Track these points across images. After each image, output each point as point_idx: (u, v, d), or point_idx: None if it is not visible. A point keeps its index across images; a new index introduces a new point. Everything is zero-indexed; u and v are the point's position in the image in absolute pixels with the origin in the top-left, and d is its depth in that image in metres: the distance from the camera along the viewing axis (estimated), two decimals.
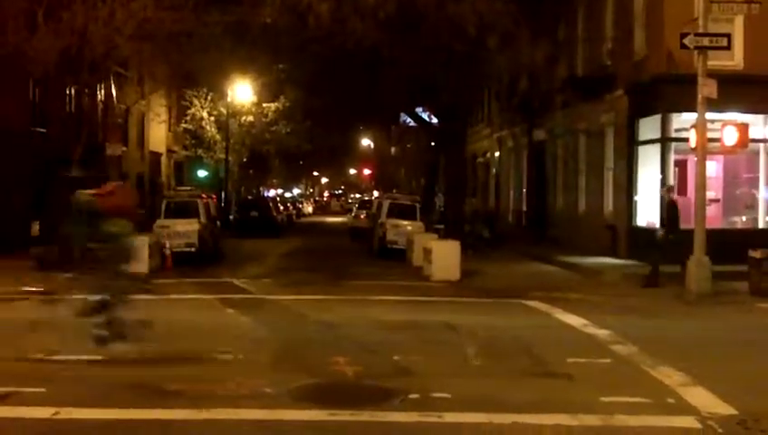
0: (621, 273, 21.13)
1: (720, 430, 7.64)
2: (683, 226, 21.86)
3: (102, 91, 29.20)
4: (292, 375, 9.46)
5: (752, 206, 23.67)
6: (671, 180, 22.82)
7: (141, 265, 21.05)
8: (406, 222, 28.64)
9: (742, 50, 21.50)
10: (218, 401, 8.32)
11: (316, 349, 11.20)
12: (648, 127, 23.87)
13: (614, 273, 21.25)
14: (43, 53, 21.34)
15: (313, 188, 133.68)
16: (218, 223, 31.35)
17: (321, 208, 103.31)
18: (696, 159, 18.22)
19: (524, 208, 37.33)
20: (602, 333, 12.53)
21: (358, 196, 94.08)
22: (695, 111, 17.66)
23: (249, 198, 53.61)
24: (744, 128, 17.87)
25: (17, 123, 28.11)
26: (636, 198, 24.38)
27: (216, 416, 7.83)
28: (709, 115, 17.94)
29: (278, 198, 60.29)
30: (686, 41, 17.26)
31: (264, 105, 46.00)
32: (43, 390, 8.66)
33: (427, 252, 21.45)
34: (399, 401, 8.41)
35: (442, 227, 30.48)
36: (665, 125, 22.71)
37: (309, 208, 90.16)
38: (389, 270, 23.40)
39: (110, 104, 30.62)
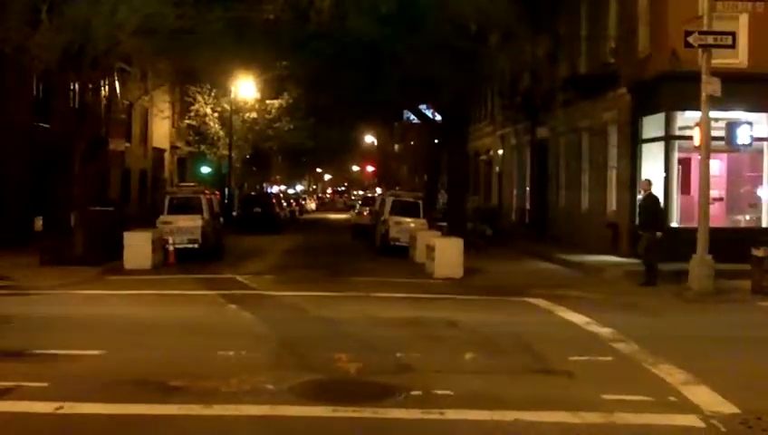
0: (623, 271, 21.11)
1: (723, 429, 7.64)
2: (686, 224, 21.93)
3: (106, 87, 29.21)
4: (294, 371, 9.47)
5: (755, 204, 23.64)
6: (674, 179, 22.82)
7: (144, 260, 21.19)
8: (409, 219, 28.62)
9: (746, 48, 21.44)
10: (221, 397, 8.33)
11: (318, 345, 11.21)
12: (652, 125, 23.84)
13: (616, 271, 21.23)
14: (45, 49, 21.34)
15: (316, 185, 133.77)
16: (221, 219, 31.37)
17: (324, 205, 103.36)
18: (699, 157, 18.20)
19: (527, 206, 37.30)
20: (604, 330, 12.53)
21: (361, 193, 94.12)
22: (698, 109, 17.64)
23: (252, 194, 53.55)
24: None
25: (20, 118, 28.14)
26: (639, 196, 24.33)
27: (218, 412, 7.84)
28: (713, 113, 17.93)
29: (281, 195, 60.30)
30: (690, 39, 17.23)
31: (267, 102, 45.99)
32: (45, 384, 8.68)
33: (430, 249, 21.44)
34: (401, 398, 8.42)
35: (445, 224, 30.45)
36: (668, 123, 22.67)
37: (312, 205, 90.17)
38: (392, 267, 23.40)
39: (114, 100, 30.65)
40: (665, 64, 21.88)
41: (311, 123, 45.77)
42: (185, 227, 24.92)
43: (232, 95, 44.51)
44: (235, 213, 45.23)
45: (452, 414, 7.85)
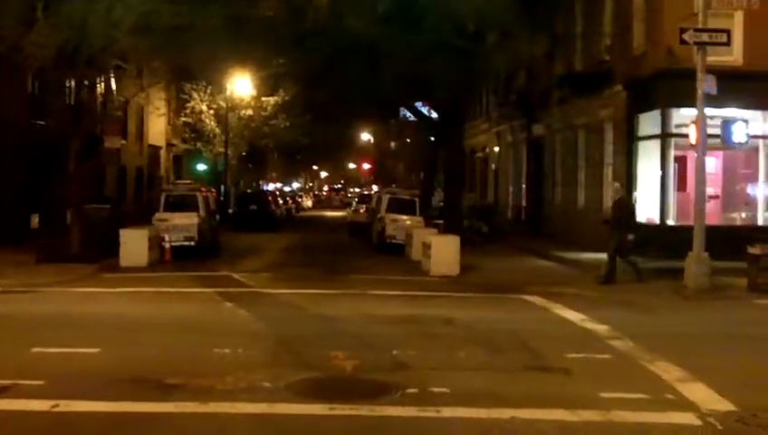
0: (620, 269, 21.09)
1: (719, 427, 7.65)
2: (682, 222, 21.96)
3: (101, 84, 29.13)
4: (290, 369, 9.47)
5: (750, 202, 23.68)
6: (670, 176, 22.84)
7: (141, 258, 21.16)
8: (405, 217, 28.64)
9: (741, 46, 21.50)
10: (217, 394, 8.33)
11: (314, 343, 11.20)
12: (648, 122, 23.87)
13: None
14: (40, 47, 21.30)
15: (312, 183, 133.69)
16: (217, 217, 31.33)
17: (321, 203, 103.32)
18: (695, 154, 18.22)
19: (523, 203, 37.33)
20: (600, 328, 12.54)
21: (357, 190, 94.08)
22: (694, 106, 17.66)
23: (248, 191, 53.53)
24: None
25: (15, 116, 28.08)
26: (635, 193, 24.37)
27: (214, 410, 7.84)
28: (709, 111, 17.95)
29: (277, 193, 60.23)
30: (685, 36, 17.24)
31: (263, 99, 45.95)
32: (41, 382, 8.67)
33: (426, 247, 21.45)
34: (398, 396, 8.42)
35: (441, 221, 30.45)
36: (664, 120, 22.70)
37: (308, 203, 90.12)
38: (388, 265, 23.40)
39: (109, 97, 30.56)
40: (660, 61, 21.92)
41: (307, 120, 45.74)
42: (181, 225, 24.92)
43: (228, 92, 44.48)
44: (231, 211, 45.19)
45: (448, 412, 7.85)
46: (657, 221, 23.01)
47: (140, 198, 42.55)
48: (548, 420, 7.68)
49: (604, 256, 23.45)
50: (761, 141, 22.90)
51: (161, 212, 25.58)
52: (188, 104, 45.86)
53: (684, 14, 18.54)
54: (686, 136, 19.59)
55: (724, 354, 10.88)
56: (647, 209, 23.79)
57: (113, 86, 30.56)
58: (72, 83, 27.67)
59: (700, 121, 17.45)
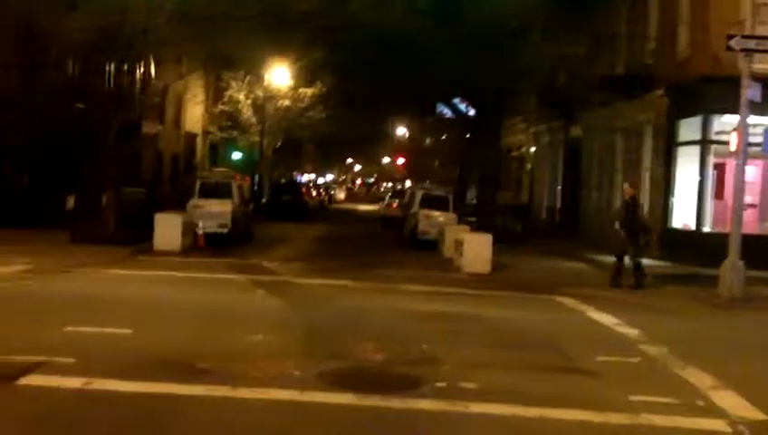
0: (653, 273, 20.94)
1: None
2: (718, 229, 21.72)
3: (141, 70, 29.39)
4: (320, 358, 9.49)
5: None
6: (709, 183, 22.60)
7: (174, 242, 21.33)
8: (438, 213, 28.60)
9: None
10: (247, 380, 8.36)
11: (345, 334, 11.22)
12: (688, 128, 23.63)
13: (647, 273, 21.02)
14: (81, 32, 21.54)
15: (346, 175, 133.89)
16: (251, 205, 31.50)
17: (353, 196, 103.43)
18: (735, 162, 18.00)
19: (557, 205, 37.12)
20: (632, 332, 12.44)
21: (390, 185, 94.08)
22: (736, 113, 17.44)
23: (282, 181, 53.76)
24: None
25: (56, 98, 28.37)
26: (672, 199, 24.16)
27: (244, 395, 7.87)
28: (751, 119, 17.73)
29: (311, 184, 60.41)
30: (731, 43, 17.02)
31: (301, 90, 46.08)
32: (73, 360, 8.76)
33: (459, 244, 21.40)
34: (427, 390, 8.40)
35: (474, 219, 30.38)
36: (705, 127, 22.46)
37: (341, 195, 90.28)
38: (420, 260, 23.39)
39: (148, 82, 30.82)
40: (705, 67, 21.67)
41: (343, 113, 45.81)
42: (215, 212, 25.08)
43: (266, 82, 44.64)
44: (264, 200, 45.40)
45: (477, 408, 7.82)
46: (694, 227, 22.78)
47: (176, 183, 42.88)
48: (576, 421, 7.63)
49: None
50: None
51: (196, 199, 25.76)
52: (226, 93, 46.11)
53: (730, 21, 18.35)
54: (726, 143, 19.36)
55: (756, 363, 10.74)
56: (683, 215, 23.58)
57: (152, 72, 30.80)
58: (113, 67, 27.94)
59: (742, 129, 17.24)
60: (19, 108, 25.20)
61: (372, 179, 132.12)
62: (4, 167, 27.00)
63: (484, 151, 32.91)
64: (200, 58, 32.86)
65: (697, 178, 22.56)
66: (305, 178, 75.98)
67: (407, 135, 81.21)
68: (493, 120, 31.41)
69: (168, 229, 21.51)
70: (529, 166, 43.82)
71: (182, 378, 8.34)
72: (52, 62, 28.04)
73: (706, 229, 22.59)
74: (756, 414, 8.11)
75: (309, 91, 45.66)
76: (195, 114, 48.01)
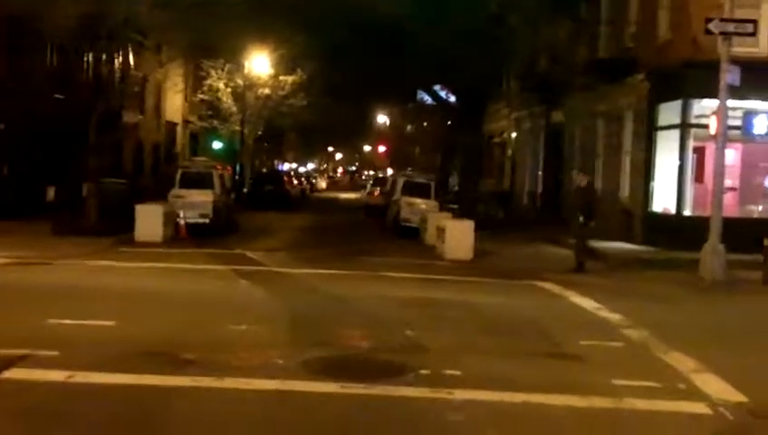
0: (635, 257, 21.08)
1: (730, 417, 7.64)
2: (699, 213, 21.85)
3: (120, 59, 29.22)
4: (304, 347, 9.50)
5: None
6: (689, 167, 22.71)
7: (156, 233, 21.25)
8: (420, 200, 28.62)
9: (767, 37, 21.27)
10: (231, 370, 8.36)
11: (328, 322, 11.24)
12: (668, 112, 23.71)
13: (628, 258, 21.19)
14: (61, 18, 21.38)
15: (327, 164, 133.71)
16: (232, 195, 31.40)
17: (335, 184, 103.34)
18: (714, 146, 18.10)
19: (539, 190, 37.22)
20: (615, 316, 12.52)
21: (372, 173, 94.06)
22: (716, 97, 17.52)
23: (263, 171, 53.66)
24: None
25: (35, 87, 28.17)
26: (653, 183, 24.27)
27: (229, 385, 7.87)
28: (730, 103, 17.82)
29: (292, 173, 60.32)
30: (710, 26, 17.11)
31: (281, 78, 45.90)
32: (56, 353, 8.73)
33: (441, 231, 21.44)
34: (411, 376, 8.44)
35: (456, 206, 30.42)
36: (685, 111, 22.54)
37: (322, 184, 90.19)
38: (403, 248, 23.42)
39: (128, 72, 30.64)
40: (684, 51, 21.74)
41: (324, 100, 45.68)
42: (196, 202, 24.99)
43: (246, 70, 44.45)
44: (246, 189, 45.29)
45: (461, 394, 7.86)
46: (674, 211, 22.91)
47: (157, 173, 42.69)
48: (560, 406, 7.69)
49: (620, 244, 23.49)
50: None
51: (177, 189, 25.66)
52: (206, 82, 45.89)
53: (709, 4, 18.38)
54: (706, 127, 19.47)
55: (738, 347, 10.83)
56: (664, 200, 23.70)
57: (132, 61, 30.61)
58: (92, 58, 27.75)
59: (721, 112, 17.33)
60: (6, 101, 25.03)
61: (354, 168, 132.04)
62: None
63: (466, 138, 32.93)
64: (180, 46, 32.65)
65: (677, 163, 22.67)
66: (287, 167, 75.80)
67: (388, 123, 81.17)
68: (474, 106, 31.40)
69: (149, 220, 21.42)
70: (510, 152, 43.89)
71: (167, 369, 8.33)
72: (33, 51, 27.82)
73: (687, 213, 22.71)
74: (737, 397, 8.19)
75: (289, 79, 45.49)
76: (175, 103, 47.77)
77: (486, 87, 33.96)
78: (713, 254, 17.15)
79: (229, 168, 33.91)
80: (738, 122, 20.04)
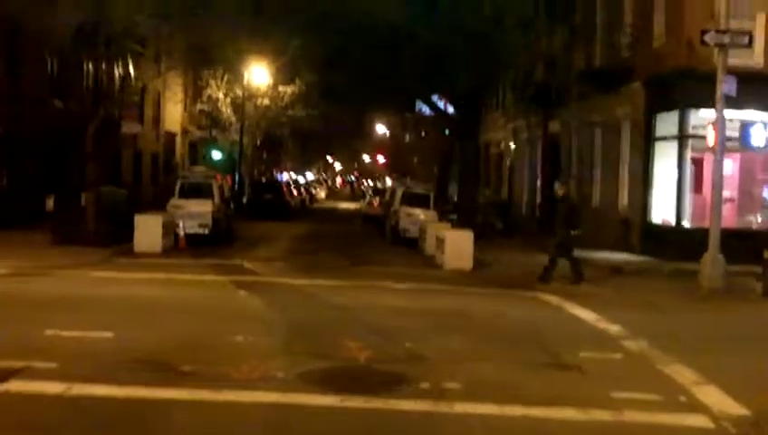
0: (634, 268, 21.07)
1: (732, 431, 7.61)
2: (697, 224, 21.87)
3: (119, 68, 29.24)
4: (303, 358, 9.47)
5: (767, 206, 23.53)
6: (687, 178, 22.71)
7: (155, 243, 21.22)
8: (419, 210, 28.62)
9: (763, 48, 21.28)
10: (230, 383, 8.34)
11: (327, 333, 11.21)
12: (666, 122, 23.73)
13: (627, 268, 21.18)
14: (61, 26, 21.42)
15: (326, 173, 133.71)
16: (231, 205, 31.38)
17: (335, 194, 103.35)
18: (712, 157, 18.11)
19: (538, 200, 37.19)
20: (614, 328, 12.49)
21: (371, 183, 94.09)
22: (713, 107, 17.54)
23: (263, 180, 53.60)
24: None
25: (35, 96, 28.18)
26: (651, 193, 24.26)
27: (228, 398, 7.84)
28: (728, 113, 17.84)
29: (291, 183, 60.31)
30: (706, 38, 17.13)
31: (281, 88, 45.93)
32: (54, 365, 8.69)
33: (440, 241, 21.42)
34: (411, 389, 8.41)
35: (455, 216, 30.42)
36: (682, 121, 22.56)
37: (322, 194, 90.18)
38: (402, 258, 23.41)
39: (127, 81, 30.65)
40: (681, 60, 21.76)
41: (323, 110, 45.69)
42: (195, 212, 24.96)
43: (245, 81, 44.49)
44: (245, 199, 45.28)
45: (461, 408, 7.83)
46: (673, 223, 22.90)
47: (156, 183, 42.67)
48: (559, 420, 7.66)
49: (619, 255, 23.48)
50: None
51: (176, 199, 25.64)
52: (205, 91, 45.92)
53: (706, 13, 18.41)
54: (703, 138, 19.45)
55: (739, 358, 10.80)
56: (662, 210, 23.69)
57: (131, 70, 30.64)
58: (91, 66, 27.74)
59: (719, 123, 17.34)
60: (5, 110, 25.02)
61: (353, 177, 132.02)
62: None
63: (464, 148, 32.95)
64: (179, 56, 32.72)
65: (676, 173, 22.67)
66: (286, 176, 75.84)
67: (387, 133, 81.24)
68: (471, 116, 31.43)
69: (148, 230, 21.39)
70: (509, 162, 43.91)
71: (165, 381, 8.30)
72: (32, 58, 27.84)
73: (686, 224, 22.71)
74: (739, 409, 8.16)
75: (289, 90, 45.53)
76: (174, 113, 47.79)
77: (483, 97, 34.02)
78: (712, 264, 17.14)
79: (228, 177, 33.94)
80: (736, 133, 20.04)
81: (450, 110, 36.68)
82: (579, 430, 7.50)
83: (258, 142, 51.28)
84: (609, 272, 20.51)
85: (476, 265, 20.46)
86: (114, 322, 11.29)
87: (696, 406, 8.31)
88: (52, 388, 7.89)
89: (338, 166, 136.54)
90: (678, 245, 21.52)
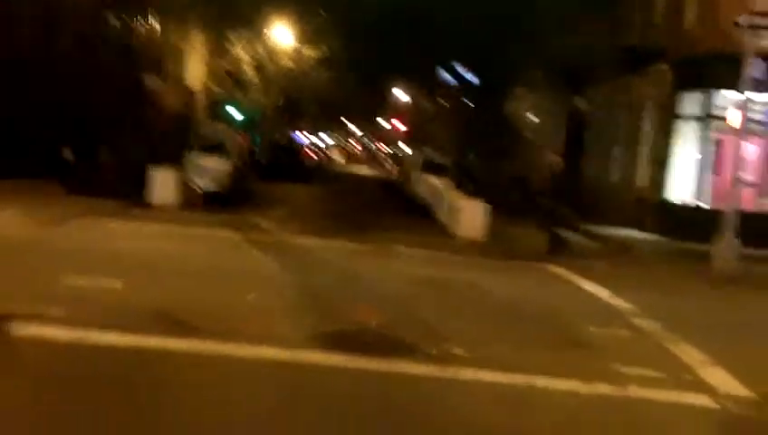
0: (648, 247, 20.98)
1: (735, 411, 7.61)
2: (716, 205, 21.70)
3: (144, 24, 29.21)
4: (314, 320, 9.51)
5: None
6: (708, 158, 22.53)
7: (170, 197, 21.28)
8: (436, 179, 28.58)
9: None
10: (238, 338, 8.37)
11: (338, 295, 11.25)
12: (690, 102, 23.53)
13: (641, 246, 21.10)
14: None
15: (345, 138, 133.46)
16: (249, 164, 31.41)
17: (352, 158, 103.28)
18: (735, 138, 17.96)
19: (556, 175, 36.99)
20: (626, 305, 12.45)
21: (389, 150, 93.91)
22: (739, 90, 17.35)
23: (281, 141, 53.60)
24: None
25: (60, 49, 28.19)
26: (671, 172, 24.10)
27: (235, 352, 7.89)
28: (753, 96, 17.65)
29: (310, 145, 60.30)
30: (739, 19, 16.94)
31: (304, 50, 45.72)
32: (65, 312, 8.75)
33: (455, 210, 21.39)
34: (418, 354, 8.43)
35: (472, 186, 30.33)
36: (707, 102, 22.36)
37: (341, 158, 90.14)
38: (416, 225, 23.38)
39: (152, 37, 30.61)
40: (710, 42, 21.51)
41: (345, 75, 45.57)
42: (212, 169, 24.99)
43: (268, 41, 44.33)
44: (263, 159, 45.29)
45: (466, 374, 7.87)
46: (691, 203, 22.77)
47: (175, 139, 42.67)
48: (564, 391, 7.69)
49: (634, 233, 23.38)
50: None
51: (194, 155, 25.67)
52: (228, 51, 45.78)
53: None
54: (727, 119, 19.28)
55: (748, 341, 10.75)
56: (681, 190, 23.55)
57: (155, 26, 30.59)
58: (116, 21, 27.75)
59: (744, 106, 17.17)
60: (34, 63, 25.04)
61: (373, 144, 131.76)
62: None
63: (486, 119, 32.78)
64: (204, 13, 32.63)
65: (697, 154, 22.50)
66: (305, 139, 75.79)
67: (408, 101, 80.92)
68: (496, 88, 31.27)
69: (164, 184, 21.46)
70: (530, 135, 43.65)
71: (173, 333, 8.35)
72: (58, 13, 27.83)
73: (704, 205, 22.57)
74: (743, 391, 8.15)
75: (311, 53, 45.33)
76: (196, 71, 47.68)
77: (509, 69, 33.78)
78: (727, 247, 17.05)
79: (247, 137, 33.92)
80: (760, 116, 19.78)
81: (474, 80, 36.49)
82: (582, 401, 7.52)
83: (279, 103, 51.21)
84: (622, 249, 20.45)
85: (491, 236, 20.40)
86: (126, 273, 11.34)
87: (700, 386, 8.30)
88: (62, 335, 7.95)
89: (357, 131, 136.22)
90: (695, 225, 21.37)
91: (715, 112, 22.19)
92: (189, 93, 47.35)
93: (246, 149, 30.73)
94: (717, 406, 7.71)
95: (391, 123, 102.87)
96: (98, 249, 13.56)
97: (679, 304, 13.65)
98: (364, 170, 69.58)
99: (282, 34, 44.14)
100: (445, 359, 8.32)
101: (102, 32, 28.21)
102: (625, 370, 8.51)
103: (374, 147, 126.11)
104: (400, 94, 78.80)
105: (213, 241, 16.14)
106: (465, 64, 37.10)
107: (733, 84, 18.42)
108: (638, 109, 27.38)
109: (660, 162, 24.55)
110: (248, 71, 46.14)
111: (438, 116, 66.23)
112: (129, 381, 6.99)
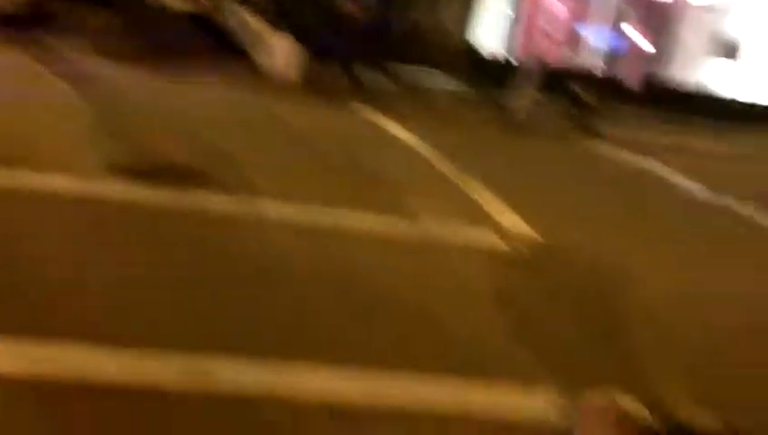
0: (455, 94, 21.22)
1: (523, 252, 7.96)
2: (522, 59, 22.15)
3: None
4: (110, 149, 8.99)
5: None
6: (518, 11, 22.79)
7: None
8: (248, 14, 27.42)
9: None
10: (28, 167, 7.84)
11: (137, 125, 10.67)
12: None
13: (448, 93, 21.28)
14: None
15: None
16: None
17: None
18: None
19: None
20: (423, 145, 12.59)
21: None
22: None
23: None
24: None
25: None
26: (482, 22, 24.28)
27: (20, 184, 7.38)
28: None
29: None
30: None
31: None
32: None
33: (267, 47, 20.74)
34: (218, 186, 8.26)
35: (285, 23, 29.38)
36: None
37: None
38: (225, 61, 22.46)
39: None
40: None
41: None
42: None
43: None
44: None
45: (268, 210, 7.86)
46: (499, 54, 23.14)
47: None
48: (366, 229, 7.81)
49: (442, 79, 23.53)
50: None
51: None
52: None
53: None
54: None
55: (544, 190, 11.21)
56: (491, 41, 23.83)
57: None
58: None
59: None
60: None
61: None
62: None
63: None
64: None
65: (508, 6, 22.68)
66: None
67: None
68: None
69: None
70: None
71: None
72: None
73: (510, 57, 23.00)
74: (535, 236, 8.48)
75: None
76: None
77: None
78: (523, 95, 17.55)
79: None
80: None
81: None
82: (380, 234, 7.72)
83: None
84: (430, 94, 20.59)
85: (301, 75, 19.93)
86: None
87: (494, 227, 8.59)
88: None
89: None
90: (501, 77, 21.83)
91: None
92: None
93: None
94: (508, 248, 8.02)
95: None
96: None
97: (477, 149, 13.87)
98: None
99: None
100: (246, 191, 8.22)
101: None
102: (419, 206, 8.74)
103: None
104: None
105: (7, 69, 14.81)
106: None
107: None
108: None
109: (471, 12, 24.65)
110: None
111: None
112: None
